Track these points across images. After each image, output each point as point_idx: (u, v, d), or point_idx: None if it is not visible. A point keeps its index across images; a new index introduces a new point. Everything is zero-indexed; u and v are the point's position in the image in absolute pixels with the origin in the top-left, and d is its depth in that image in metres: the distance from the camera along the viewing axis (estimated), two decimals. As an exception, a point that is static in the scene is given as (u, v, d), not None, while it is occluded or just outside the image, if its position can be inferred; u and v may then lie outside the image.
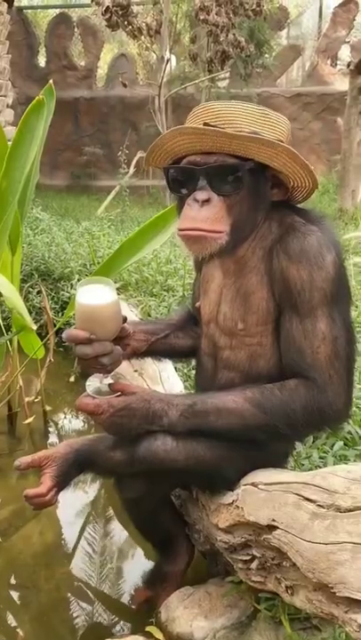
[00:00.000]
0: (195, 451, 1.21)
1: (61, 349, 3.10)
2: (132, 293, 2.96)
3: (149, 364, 2.03)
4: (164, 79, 5.23)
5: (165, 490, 1.46)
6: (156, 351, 1.50)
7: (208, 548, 1.45)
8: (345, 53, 10.62)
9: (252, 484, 1.10)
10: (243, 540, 1.13)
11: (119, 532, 1.89)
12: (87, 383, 1.27)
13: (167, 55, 4.77)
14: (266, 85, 9.86)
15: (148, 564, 1.68)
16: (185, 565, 1.53)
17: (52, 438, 2.53)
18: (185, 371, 2.27)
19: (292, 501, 0.95)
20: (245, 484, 1.14)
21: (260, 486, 1.06)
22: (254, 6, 5.72)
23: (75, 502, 2.02)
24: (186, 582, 1.50)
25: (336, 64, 10.65)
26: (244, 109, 1.09)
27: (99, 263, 3.35)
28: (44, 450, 1.42)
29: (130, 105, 10.51)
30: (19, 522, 1.89)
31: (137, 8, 4.82)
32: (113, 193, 7.92)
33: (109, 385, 1.23)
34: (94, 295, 1.13)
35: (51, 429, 2.58)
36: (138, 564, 1.72)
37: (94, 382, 1.27)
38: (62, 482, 1.37)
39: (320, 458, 1.55)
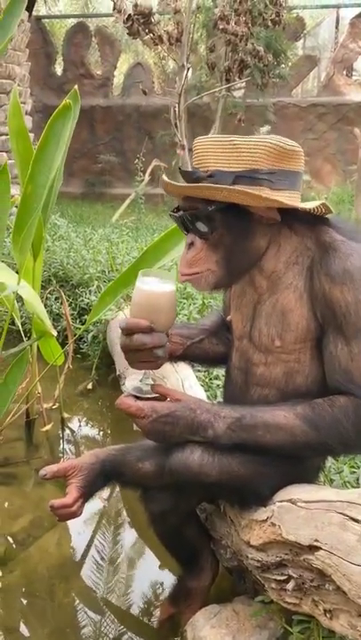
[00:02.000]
0: (229, 465, 1.17)
1: (79, 356, 3.07)
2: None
3: (171, 373, 2.00)
4: (177, 90, 5.23)
5: (193, 504, 1.42)
6: (192, 356, 1.47)
7: (235, 564, 1.41)
8: (361, 64, 10.63)
9: (290, 501, 1.05)
10: (278, 559, 1.08)
11: (139, 544, 1.85)
12: (125, 383, 1.25)
13: (187, 64, 4.76)
14: (281, 95, 9.86)
15: (170, 579, 1.64)
16: (210, 581, 1.49)
17: (70, 446, 2.49)
18: (206, 380, 2.23)
19: (336, 521, 0.90)
20: (281, 501, 1.09)
21: (298, 504, 1.01)
22: (273, 16, 5.71)
23: (94, 513, 1.98)
24: (210, 599, 1.46)
25: (352, 75, 10.65)
26: (214, 145, 1.08)
27: (117, 270, 3.33)
28: (70, 459, 1.39)
29: (145, 113, 10.56)
30: (37, 532, 1.86)
31: (158, 17, 4.83)
32: (128, 200, 7.94)
33: (151, 386, 1.20)
34: (157, 284, 1.13)
35: (68, 437, 2.55)
36: (160, 579, 1.67)
37: (133, 381, 1.24)
38: (88, 492, 1.34)
39: (351, 473, 1.50)
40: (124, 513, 2.01)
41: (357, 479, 1.48)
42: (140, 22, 4.39)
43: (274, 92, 9.27)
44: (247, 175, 1.06)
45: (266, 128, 8.44)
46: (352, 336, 1.07)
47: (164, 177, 1.18)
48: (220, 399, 2.14)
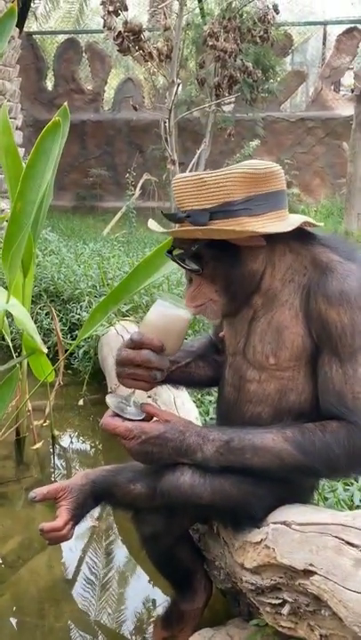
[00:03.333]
0: (221, 486, 1.16)
1: (70, 372, 3.05)
2: (141, 316, 2.92)
3: (164, 390, 1.98)
4: (167, 105, 5.28)
5: (186, 525, 1.40)
6: (175, 379, 1.45)
7: (229, 586, 1.38)
8: (348, 80, 10.79)
9: (284, 524, 1.03)
10: (272, 582, 1.06)
11: (131, 563, 1.82)
12: (107, 398, 1.24)
13: (177, 80, 4.80)
14: (271, 110, 9.97)
15: (162, 598, 1.61)
16: (203, 604, 1.46)
17: (61, 463, 2.46)
18: (199, 396, 2.21)
19: (331, 545, 0.88)
20: (275, 523, 1.07)
21: (293, 526, 1.00)
22: (262, 33, 5.79)
23: (84, 532, 1.94)
24: (203, 621, 1.43)
25: (339, 90, 10.80)
26: (186, 185, 1.10)
27: (108, 285, 3.32)
28: (59, 481, 1.36)
29: (136, 128, 10.62)
30: (27, 553, 1.82)
31: (148, 34, 4.88)
32: (119, 214, 7.95)
33: (140, 405, 1.19)
34: (175, 309, 1.16)
35: (59, 454, 2.51)
36: (152, 599, 1.64)
37: (116, 399, 1.23)
38: (79, 515, 1.32)
39: (345, 490, 1.48)
40: (115, 531, 1.98)
41: (351, 497, 1.47)
42: (130, 39, 4.43)
43: (263, 106, 9.36)
44: (221, 210, 1.08)
45: (255, 142, 8.51)
46: (347, 358, 1.07)
47: (150, 223, 1.24)
48: (212, 416, 2.13)
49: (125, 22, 4.47)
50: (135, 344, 1.16)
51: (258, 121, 9.25)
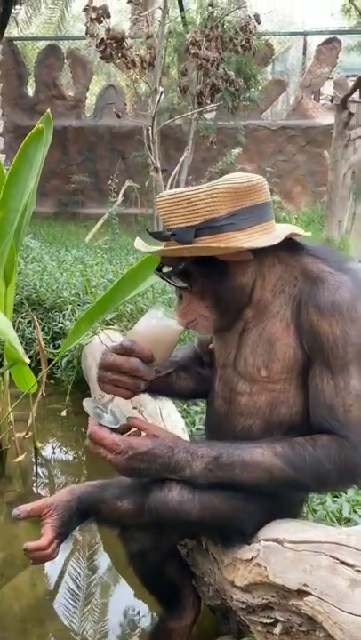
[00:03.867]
0: (210, 502, 1.13)
1: (52, 381, 3.00)
2: (126, 324, 2.89)
3: (149, 401, 1.95)
4: (150, 112, 5.28)
5: (174, 541, 1.37)
6: (155, 389, 1.42)
7: (218, 603, 1.35)
8: (328, 89, 10.93)
9: (276, 541, 1.01)
10: (264, 601, 1.04)
11: (116, 580, 1.78)
12: (86, 403, 1.21)
13: (160, 87, 4.81)
14: (252, 118, 10.04)
15: (150, 619, 1.57)
16: (192, 621, 1.43)
17: (44, 477, 2.41)
18: (185, 407, 2.19)
19: (326, 564, 0.86)
20: (266, 540, 1.05)
21: (285, 544, 0.98)
22: (243, 42, 5.82)
23: (69, 548, 1.90)
24: (191, 639, 1.40)
25: (319, 99, 10.93)
26: (170, 203, 1.09)
27: (92, 293, 3.28)
28: (44, 497, 1.32)
29: (118, 135, 10.61)
30: (9, 571, 1.77)
31: (130, 41, 4.88)
32: (101, 221, 7.92)
33: (127, 419, 1.17)
34: (167, 320, 1.15)
35: (42, 467, 2.46)
36: (140, 620, 1.60)
37: (94, 404, 1.21)
38: (64, 532, 1.28)
39: (333, 502, 1.47)
40: (99, 544, 1.94)
41: (340, 509, 1.46)
42: (112, 46, 4.41)
43: (245, 114, 9.43)
44: (207, 226, 1.07)
45: (237, 150, 8.56)
46: (338, 370, 1.05)
47: (136, 242, 1.24)
48: (198, 426, 2.10)
49: (108, 29, 4.46)
50: (125, 350, 1.14)
51: (240, 129, 9.31)
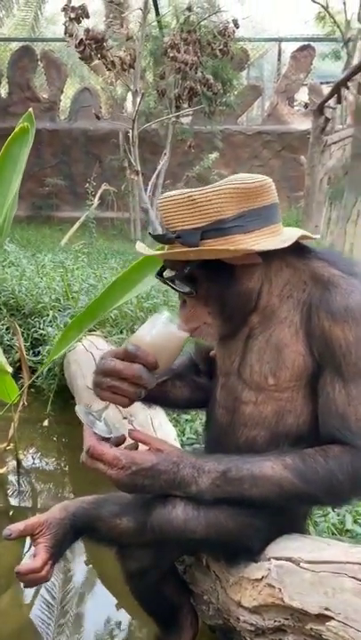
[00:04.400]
0: (216, 519, 1.07)
1: (32, 390, 2.90)
2: (110, 330, 2.82)
3: (140, 410, 1.89)
4: (130, 114, 5.23)
5: (174, 559, 1.31)
6: (149, 398, 1.33)
7: (220, 623, 1.30)
8: (303, 95, 11.06)
9: (290, 560, 0.96)
10: (276, 624, 0.99)
11: (110, 603, 1.70)
12: (79, 409, 1.15)
13: (140, 90, 4.76)
14: (228, 123, 10.08)
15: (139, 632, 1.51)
16: (190, 641, 1.37)
17: (26, 489, 2.31)
18: (175, 416, 2.13)
19: (349, 587, 0.82)
20: (278, 559, 1.00)
21: (302, 564, 0.92)
22: (222, 46, 5.82)
23: (58, 570, 1.81)
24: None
25: (293, 105, 11.05)
26: (174, 204, 1.04)
27: (73, 298, 3.20)
28: (36, 515, 1.24)
29: (93, 138, 10.53)
30: (-7, 591, 1.68)
31: (110, 42, 4.82)
32: (77, 224, 7.81)
33: (129, 431, 1.12)
34: (173, 325, 1.09)
35: (24, 479, 2.36)
36: (131, 634, 1.54)
37: (87, 411, 1.15)
38: (58, 552, 1.20)
39: (337, 515, 1.43)
40: (93, 568, 1.85)
41: (342, 521, 1.42)
42: (92, 47, 4.34)
43: (221, 119, 9.46)
44: (214, 228, 1.02)
45: (215, 155, 8.57)
46: (351, 378, 1.01)
47: (138, 245, 1.18)
48: (188, 435, 2.05)
49: (87, 30, 4.39)
50: (128, 356, 1.06)
51: (216, 133, 9.32)
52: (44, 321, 3.08)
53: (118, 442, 1.14)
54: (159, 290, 3.20)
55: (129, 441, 1.15)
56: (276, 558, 1.01)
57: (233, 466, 1.04)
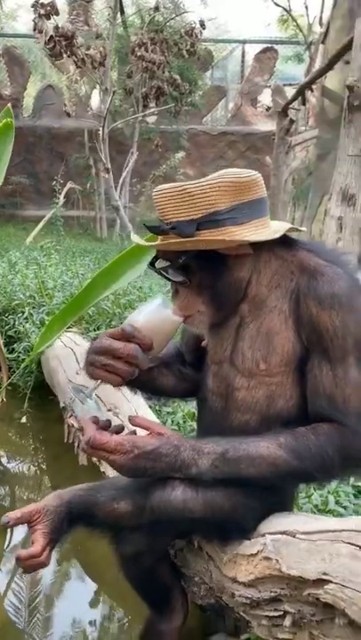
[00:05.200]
0: (213, 499, 1.12)
1: (9, 387, 2.89)
2: (87, 327, 2.83)
3: (124, 402, 1.92)
4: (98, 112, 5.23)
5: (168, 542, 1.35)
6: (136, 384, 1.36)
7: (212, 602, 1.35)
8: (266, 97, 11.25)
9: (285, 533, 1.02)
10: (272, 594, 1.04)
11: (96, 591, 1.73)
12: (71, 387, 1.19)
13: (111, 88, 4.76)
14: (193, 123, 10.16)
15: (133, 630, 1.54)
16: (181, 622, 1.41)
17: (4, 485, 2.31)
18: (157, 408, 2.17)
19: (345, 552, 0.88)
20: (273, 533, 1.05)
21: (298, 536, 0.98)
22: (188, 46, 5.88)
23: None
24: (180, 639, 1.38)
25: (256, 106, 11.23)
26: (170, 196, 1.09)
27: (48, 295, 3.19)
28: (32, 503, 1.26)
29: (58, 136, 10.43)
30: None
31: (81, 40, 4.81)
32: (42, 222, 7.74)
33: (129, 418, 1.15)
34: (168, 310, 1.13)
35: (3, 478, 2.36)
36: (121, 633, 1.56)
37: (78, 388, 1.20)
38: (55, 539, 1.23)
39: (320, 496, 1.50)
40: (74, 566, 1.86)
41: (325, 501, 1.49)
42: (61, 44, 4.33)
43: (185, 119, 9.54)
44: (208, 219, 1.06)
45: (181, 154, 8.62)
46: (338, 361, 1.07)
47: (132, 236, 1.22)
48: (171, 427, 2.09)
49: (57, 27, 4.38)
50: (124, 336, 1.11)
51: (183, 133, 9.39)
52: (18, 318, 3.07)
53: (117, 430, 1.17)
54: (135, 286, 3.23)
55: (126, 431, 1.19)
56: (271, 533, 1.07)
57: (230, 447, 1.09)
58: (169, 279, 1.16)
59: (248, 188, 1.10)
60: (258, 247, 1.13)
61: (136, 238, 1.20)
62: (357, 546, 0.87)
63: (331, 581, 0.88)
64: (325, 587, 0.88)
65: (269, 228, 1.14)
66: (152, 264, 1.18)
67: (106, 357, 1.12)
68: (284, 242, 1.17)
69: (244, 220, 1.09)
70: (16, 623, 1.55)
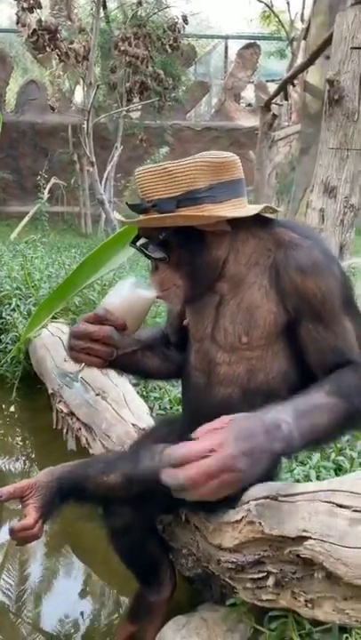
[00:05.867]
0: (200, 468, 1.17)
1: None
2: (73, 318, 2.86)
3: (112, 387, 1.97)
4: (82, 106, 5.23)
5: (156, 515, 1.40)
6: (120, 364, 1.39)
7: (199, 572, 1.40)
8: (250, 92, 11.31)
9: (268, 498, 1.07)
10: (255, 557, 1.10)
11: (85, 571, 1.77)
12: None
13: (95, 82, 4.78)
14: (176, 119, 10.19)
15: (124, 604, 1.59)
16: (169, 594, 1.47)
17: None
18: (143, 394, 2.21)
19: (323, 509, 0.93)
20: (257, 499, 1.11)
21: (279, 499, 1.04)
22: (171, 41, 5.91)
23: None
24: (169, 611, 1.44)
25: (240, 102, 11.30)
26: (151, 175, 1.13)
27: (34, 286, 3.22)
28: (24, 479, 1.31)
29: (41, 131, 10.39)
30: None
31: (64, 34, 4.81)
32: (27, 218, 7.72)
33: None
34: (140, 289, 1.18)
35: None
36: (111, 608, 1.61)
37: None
38: (47, 512, 1.27)
39: (302, 471, 1.56)
40: (65, 543, 1.91)
41: (307, 476, 1.55)
42: (45, 38, 4.33)
43: (169, 114, 9.56)
44: (188, 197, 1.11)
45: (165, 149, 8.65)
46: (332, 321, 1.12)
47: (115, 215, 1.29)
48: (157, 412, 2.14)
49: (40, 20, 4.38)
50: (98, 319, 1.17)
51: (167, 128, 9.41)
52: (5, 309, 3.09)
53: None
54: (121, 276, 3.26)
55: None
56: (255, 499, 1.12)
57: (293, 404, 1.01)
58: (149, 256, 1.20)
59: (226, 168, 1.14)
60: (236, 227, 1.18)
61: (118, 216, 1.25)
62: (334, 503, 0.93)
63: (310, 537, 0.93)
64: (305, 543, 0.94)
65: (247, 207, 1.19)
66: (134, 242, 1.22)
67: (84, 341, 1.18)
68: (261, 222, 1.22)
69: (222, 199, 1.13)
70: (6, 604, 1.59)
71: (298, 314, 1.15)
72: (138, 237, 1.22)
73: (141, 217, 1.17)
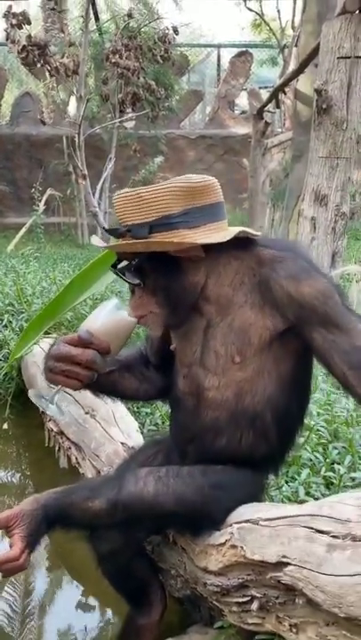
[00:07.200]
0: (183, 493, 1.17)
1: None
2: (65, 332, 2.86)
3: (101, 405, 1.96)
4: (74, 119, 5.26)
5: (143, 538, 1.39)
6: (96, 385, 1.35)
7: (187, 593, 1.39)
8: (243, 100, 11.37)
9: (249, 522, 1.07)
10: (240, 581, 1.09)
11: (78, 591, 1.76)
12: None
13: (85, 95, 4.80)
14: (171, 128, 10.22)
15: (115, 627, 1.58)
16: (160, 616, 1.45)
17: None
18: (135, 409, 2.21)
19: (303, 535, 0.93)
20: (239, 522, 1.10)
21: (260, 523, 1.03)
22: (162, 52, 5.95)
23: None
24: (159, 634, 1.42)
25: (234, 109, 11.34)
26: (125, 200, 1.13)
27: (26, 302, 3.22)
28: (8, 509, 1.30)
29: (36, 143, 10.42)
30: None
31: (54, 49, 4.84)
32: (23, 230, 7.73)
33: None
34: (122, 311, 1.17)
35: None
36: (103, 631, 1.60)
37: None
38: (33, 542, 1.25)
39: (290, 486, 1.56)
40: (56, 557, 1.91)
41: (296, 492, 1.54)
42: (34, 54, 4.36)
43: (164, 124, 9.59)
44: (161, 223, 1.11)
45: (160, 159, 8.68)
46: (341, 321, 1.11)
47: (93, 238, 1.28)
48: (149, 427, 2.13)
49: (29, 36, 4.41)
50: (83, 342, 1.14)
51: (161, 137, 9.44)
52: (-3, 326, 3.09)
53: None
54: (113, 291, 3.27)
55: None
56: (237, 522, 1.12)
57: None
58: (125, 280, 1.20)
59: (201, 192, 1.14)
60: (216, 250, 1.18)
61: (95, 240, 1.26)
62: (312, 528, 0.92)
63: (289, 563, 0.93)
64: (285, 569, 0.93)
65: (223, 232, 1.18)
66: (114, 266, 1.22)
67: (65, 364, 1.15)
68: (243, 244, 1.22)
69: (197, 224, 1.13)
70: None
71: (302, 321, 1.13)
72: (120, 260, 1.22)
73: (118, 241, 1.17)
